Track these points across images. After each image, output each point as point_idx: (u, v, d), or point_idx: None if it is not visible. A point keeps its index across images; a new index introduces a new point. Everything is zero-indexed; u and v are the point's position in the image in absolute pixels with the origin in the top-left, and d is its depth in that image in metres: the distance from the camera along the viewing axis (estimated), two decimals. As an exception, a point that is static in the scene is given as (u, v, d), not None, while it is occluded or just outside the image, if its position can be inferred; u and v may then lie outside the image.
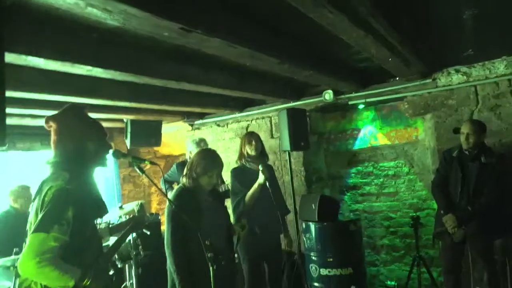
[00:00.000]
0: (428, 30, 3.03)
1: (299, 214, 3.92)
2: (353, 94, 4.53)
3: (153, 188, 6.63)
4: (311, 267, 3.78)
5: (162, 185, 4.25)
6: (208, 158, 2.57)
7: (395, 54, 3.05)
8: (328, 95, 4.52)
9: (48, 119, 1.91)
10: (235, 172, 3.42)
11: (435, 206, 3.73)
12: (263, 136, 5.05)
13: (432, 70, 4.05)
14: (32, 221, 1.75)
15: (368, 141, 4.92)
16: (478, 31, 3.08)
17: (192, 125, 5.77)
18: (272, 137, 5.06)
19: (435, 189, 3.54)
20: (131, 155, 2.23)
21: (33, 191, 3.88)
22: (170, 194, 2.73)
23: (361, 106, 4.74)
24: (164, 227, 2.55)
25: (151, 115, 5.00)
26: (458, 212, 3.30)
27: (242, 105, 5.19)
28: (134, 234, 3.56)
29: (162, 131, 5.23)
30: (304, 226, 3.88)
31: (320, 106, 4.77)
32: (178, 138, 6.05)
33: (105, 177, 5.67)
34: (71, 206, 1.72)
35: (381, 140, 4.84)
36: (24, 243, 1.76)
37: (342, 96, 4.58)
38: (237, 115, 5.31)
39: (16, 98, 3.17)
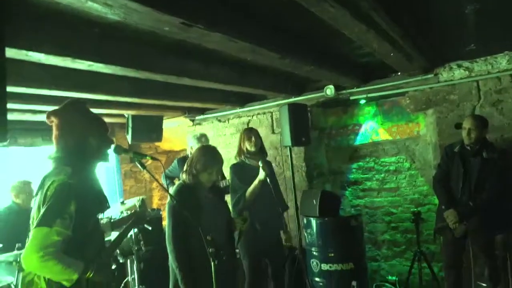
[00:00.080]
0: (430, 25, 3.01)
1: (300, 210, 3.92)
2: (355, 89, 4.51)
3: (155, 184, 6.64)
4: (312, 262, 3.79)
5: (163, 181, 4.26)
6: (208, 155, 2.57)
7: (397, 48, 3.04)
8: (330, 90, 4.51)
9: (50, 114, 1.91)
10: (234, 168, 3.41)
11: (436, 201, 3.73)
12: (264, 131, 5.07)
13: (434, 65, 4.03)
14: (34, 216, 1.76)
15: (370, 137, 4.92)
16: (480, 25, 3.06)
17: (193, 121, 5.77)
18: (273, 132, 5.05)
19: (437, 185, 3.53)
20: (132, 151, 2.23)
21: (34, 187, 3.92)
22: (171, 190, 2.74)
23: (362, 101, 4.73)
24: (165, 223, 2.56)
25: (152, 110, 4.99)
26: (459, 208, 3.29)
27: (243, 100, 5.18)
28: (136, 230, 3.58)
29: (163, 127, 5.24)
30: (305, 221, 3.89)
31: (322, 101, 4.76)
32: (179, 133, 6.05)
33: (107, 172, 5.68)
34: (73, 201, 1.73)
35: (383, 135, 4.83)
36: (26, 238, 1.77)
37: (344, 91, 4.57)
38: (238, 110, 5.30)
39: (17, 93, 3.17)
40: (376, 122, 4.85)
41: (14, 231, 3.51)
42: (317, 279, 3.75)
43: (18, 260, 2.97)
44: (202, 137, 4.05)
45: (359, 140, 4.98)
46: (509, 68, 3.75)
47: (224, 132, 5.42)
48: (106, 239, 2.36)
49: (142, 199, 2.86)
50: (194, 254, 2.35)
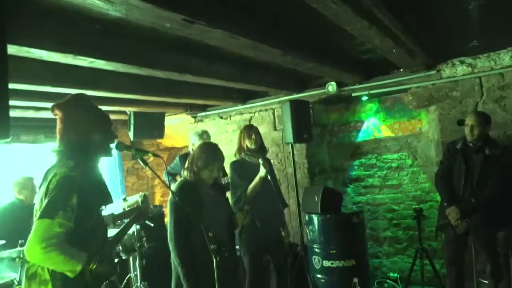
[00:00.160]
0: (432, 21, 2.99)
1: (302, 206, 3.92)
2: (357, 86, 4.50)
3: (157, 180, 6.66)
4: (314, 259, 3.80)
5: (165, 178, 4.27)
6: (209, 152, 2.57)
7: (399, 45, 3.02)
8: (331, 87, 4.49)
9: (54, 107, 1.92)
10: (234, 165, 3.40)
11: (438, 198, 3.73)
12: (266, 128, 5.07)
13: (436, 61, 4.01)
14: (38, 209, 1.77)
15: (372, 133, 4.91)
16: (483, 21, 3.05)
17: (195, 117, 5.77)
18: (275, 129, 5.05)
19: (439, 181, 3.53)
20: (134, 147, 2.24)
21: (37, 182, 3.93)
22: (173, 187, 2.74)
23: (364, 98, 4.72)
24: (167, 219, 2.56)
25: (154, 107, 5.00)
26: (461, 204, 3.29)
27: (244, 97, 5.18)
28: (138, 226, 3.59)
29: (165, 123, 5.24)
30: (307, 218, 3.89)
31: (324, 98, 4.75)
32: (181, 130, 6.06)
33: (109, 169, 5.70)
34: (75, 193, 1.74)
35: (385, 132, 4.82)
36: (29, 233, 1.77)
37: (346, 88, 4.56)
38: (240, 107, 5.30)
39: (19, 90, 3.18)
40: (378, 119, 4.84)
41: (17, 227, 3.52)
42: (319, 275, 3.76)
43: (21, 256, 3.00)
44: (204, 134, 4.06)
45: (361, 137, 4.98)
46: (512, 64, 3.73)
47: (226, 129, 5.42)
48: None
49: (145, 194, 2.86)
50: (196, 250, 2.36)
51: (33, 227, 1.70)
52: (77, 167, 1.79)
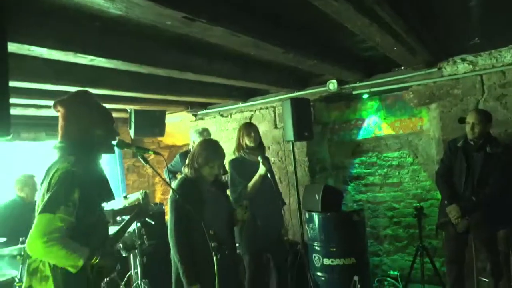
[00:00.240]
0: (434, 18, 2.98)
1: (303, 204, 3.92)
2: (358, 84, 4.49)
3: (157, 178, 6.66)
4: (314, 257, 3.80)
5: (165, 175, 4.27)
6: (210, 148, 2.57)
7: (400, 42, 3.02)
8: (332, 85, 4.49)
9: (56, 103, 1.92)
10: (234, 163, 3.39)
11: (439, 196, 3.72)
12: (267, 126, 5.06)
13: (438, 59, 4.00)
14: (39, 204, 1.77)
15: (372, 131, 4.90)
16: (484, 19, 3.04)
17: (195, 115, 5.77)
18: (275, 127, 5.05)
19: (439, 179, 3.52)
20: (135, 145, 2.23)
21: (38, 180, 3.94)
22: (173, 184, 2.74)
23: (365, 96, 4.71)
24: (168, 217, 2.56)
25: (155, 105, 4.99)
26: (462, 203, 3.29)
27: (245, 95, 5.17)
28: (139, 224, 3.60)
29: (166, 121, 5.24)
30: (307, 216, 3.89)
31: (324, 95, 4.75)
32: (182, 128, 6.06)
33: (110, 167, 5.70)
34: (77, 188, 1.74)
35: (385, 130, 4.82)
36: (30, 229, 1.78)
37: (346, 86, 4.55)
38: (241, 105, 5.29)
39: (20, 88, 3.18)
40: (379, 117, 4.84)
41: (18, 224, 3.53)
42: (319, 273, 3.77)
43: (22, 253, 3.00)
44: (204, 132, 4.06)
45: (362, 135, 4.97)
46: (513, 62, 3.72)
47: (227, 127, 5.42)
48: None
49: (145, 192, 2.86)
50: (196, 248, 2.36)
51: (35, 221, 1.70)
52: (78, 163, 1.80)
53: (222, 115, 5.53)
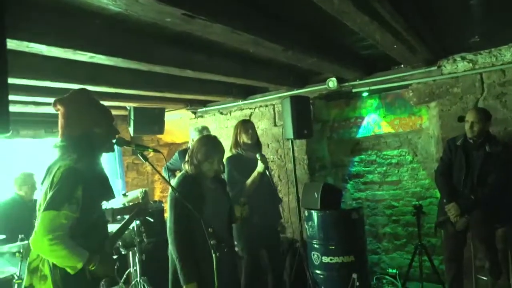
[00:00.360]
0: (434, 16, 2.98)
1: (302, 202, 3.93)
2: (357, 82, 4.49)
3: (156, 176, 6.67)
4: (313, 254, 3.80)
5: (164, 173, 4.26)
6: (209, 144, 2.56)
7: (400, 40, 3.01)
8: (332, 83, 4.48)
9: (56, 102, 1.92)
10: (232, 160, 3.36)
11: (438, 195, 3.73)
12: (266, 124, 5.06)
13: (437, 57, 4.00)
14: (41, 202, 1.77)
15: (372, 130, 4.91)
16: (484, 17, 3.03)
17: (195, 113, 5.76)
18: (275, 125, 5.04)
19: (439, 178, 3.53)
20: (135, 143, 2.23)
21: (37, 178, 3.93)
22: (173, 182, 2.73)
23: (365, 94, 4.71)
24: (167, 215, 2.56)
25: (154, 102, 4.99)
26: (461, 201, 3.29)
27: (245, 92, 5.17)
28: (138, 222, 3.60)
29: (165, 119, 5.24)
30: (306, 214, 3.89)
31: (324, 93, 4.74)
32: (181, 126, 6.06)
33: (109, 164, 5.70)
34: (80, 185, 1.74)
35: (385, 128, 4.82)
36: (31, 228, 1.78)
37: (346, 84, 4.55)
38: (240, 103, 5.29)
39: (19, 85, 3.17)
40: (379, 115, 4.84)
41: (18, 222, 3.54)
42: (318, 271, 3.77)
43: (21, 251, 3.01)
44: (204, 130, 4.05)
45: (361, 133, 4.97)
46: (513, 61, 3.72)
47: (226, 125, 5.41)
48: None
49: (145, 191, 2.87)
50: (195, 245, 2.36)
51: (38, 219, 1.70)
52: (80, 160, 1.80)
53: (221, 113, 5.52)
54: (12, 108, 3.90)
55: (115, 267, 2.07)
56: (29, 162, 4.59)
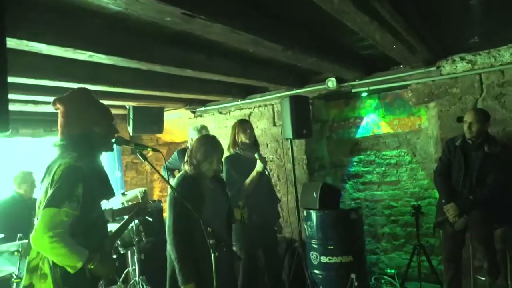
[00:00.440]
0: (433, 16, 2.98)
1: (301, 202, 3.93)
2: (357, 82, 4.49)
3: (156, 175, 6.66)
4: (312, 254, 3.81)
5: (163, 172, 4.26)
6: (208, 144, 2.56)
7: (399, 40, 3.01)
8: (331, 83, 4.49)
9: (56, 101, 1.92)
10: (230, 160, 3.35)
11: (437, 195, 3.73)
12: (266, 124, 5.07)
13: (437, 57, 4.00)
14: (42, 200, 1.77)
15: (371, 130, 4.91)
16: (484, 18, 3.04)
17: (194, 112, 5.76)
18: (274, 125, 5.05)
19: (438, 178, 3.53)
20: (134, 142, 2.23)
21: (36, 177, 3.93)
22: (172, 181, 2.73)
23: (364, 94, 4.71)
24: (166, 214, 2.56)
25: (154, 101, 4.99)
26: (459, 201, 3.30)
27: (244, 92, 5.17)
28: (137, 221, 3.60)
29: (165, 118, 5.23)
30: (305, 214, 3.90)
31: (324, 93, 4.74)
32: (181, 125, 6.06)
33: (108, 163, 5.70)
34: (81, 183, 1.74)
35: (384, 128, 4.83)
36: (30, 227, 1.78)
37: (346, 84, 4.55)
38: (240, 102, 5.29)
39: (18, 83, 3.17)
40: (378, 115, 4.84)
41: (17, 220, 3.54)
42: (316, 271, 3.77)
43: (20, 250, 3.00)
44: (203, 129, 4.05)
45: (360, 133, 4.98)
46: (512, 61, 3.72)
47: (225, 124, 5.41)
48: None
49: (145, 190, 2.87)
50: (194, 245, 2.36)
51: (39, 217, 1.70)
52: (81, 159, 1.80)
53: (221, 113, 5.52)
54: (11, 107, 3.89)
55: (115, 268, 2.07)
56: (28, 161, 4.58)
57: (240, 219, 2.68)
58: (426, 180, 4.56)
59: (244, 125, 3.45)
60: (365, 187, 4.98)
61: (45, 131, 5.17)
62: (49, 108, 4.33)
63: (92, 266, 1.77)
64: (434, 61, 4.05)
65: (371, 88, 4.46)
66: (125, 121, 5.07)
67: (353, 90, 4.59)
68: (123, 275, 4.14)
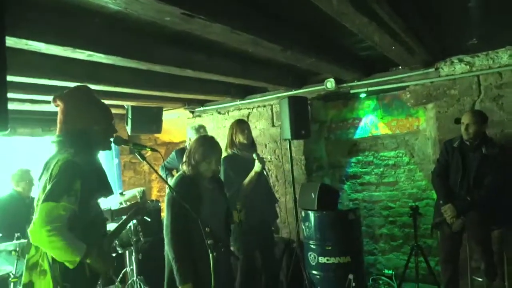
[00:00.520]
0: (432, 18, 2.99)
1: (299, 203, 3.94)
2: (355, 83, 4.50)
3: (154, 175, 6.65)
4: (310, 255, 3.81)
5: (161, 172, 4.26)
6: (206, 144, 2.56)
7: (398, 41, 3.02)
8: (330, 84, 4.49)
9: (56, 97, 1.92)
10: (228, 160, 3.34)
11: (435, 196, 3.74)
12: (264, 124, 5.07)
13: (435, 59, 4.02)
14: (40, 196, 1.76)
15: (369, 131, 4.92)
16: (482, 19, 3.05)
17: (193, 112, 5.76)
18: (273, 125, 5.05)
19: (435, 179, 3.54)
20: (132, 142, 2.23)
21: (34, 175, 3.92)
22: (170, 181, 2.73)
23: (363, 95, 4.72)
24: (164, 214, 2.56)
25: (152, 101, 4.98)
26: (457, 202, 3.31)
27: (243, 92, 5.17)
28: (135, 221, 3.60)
29: (163, 118, 5.23)
30: (303, 214, 3.90)
31: (322, 94, 4.75)
32: (179, 125, 6.05)
33: (106, 163, 5.69)
34: (79, 178, 1.74)
35: (382, 129, 4.84)
36: (27, 225, 1.77)
37: (344, 85, 4.56)
38: (238, 102, 5.29)
39: (17, 82, 3.16)
40: (376, 116, 4.85)
41: (15, 218, 3.53)
42: (314, 272, 3.78)
43: (17, 249, 3.00)
44: (201, 129, 4.04)
45: (358, 134, 4.99)
46: (510, 63, 3.73)
47: (224, 124, 5.41)
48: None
49: (143, 190, 2.86)
50: (192, 245, 2.36)
51: (37, 211, 1.70)
52: (78, 154, 1.80)
53: (219, 113, 5.52)
54: (10, 106, 3.88)
55: (113, 264, 2.07)
56: (26, 160, 4.57)
57: (238, 222, 2.69)
58: (424, 181, 4.57)
59: (241, 125, 3.45)
60: (363, 188, 4.99)
61: (43, 130, 5.16)
62: (48, 107, 4.33)
63: (89, 261, 1.76)
64: (432, 63, 4.06)
65: (369, 89, 4.47)
66: (123, 121, 5.06)
67: (351, 91, 4.60)
68: (121, 275, 4.13)
